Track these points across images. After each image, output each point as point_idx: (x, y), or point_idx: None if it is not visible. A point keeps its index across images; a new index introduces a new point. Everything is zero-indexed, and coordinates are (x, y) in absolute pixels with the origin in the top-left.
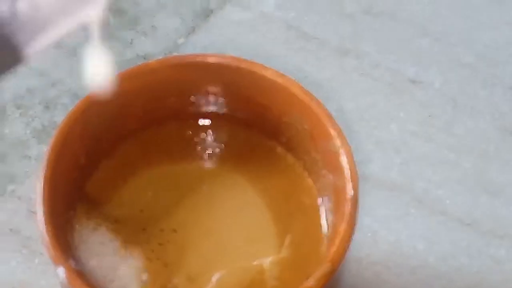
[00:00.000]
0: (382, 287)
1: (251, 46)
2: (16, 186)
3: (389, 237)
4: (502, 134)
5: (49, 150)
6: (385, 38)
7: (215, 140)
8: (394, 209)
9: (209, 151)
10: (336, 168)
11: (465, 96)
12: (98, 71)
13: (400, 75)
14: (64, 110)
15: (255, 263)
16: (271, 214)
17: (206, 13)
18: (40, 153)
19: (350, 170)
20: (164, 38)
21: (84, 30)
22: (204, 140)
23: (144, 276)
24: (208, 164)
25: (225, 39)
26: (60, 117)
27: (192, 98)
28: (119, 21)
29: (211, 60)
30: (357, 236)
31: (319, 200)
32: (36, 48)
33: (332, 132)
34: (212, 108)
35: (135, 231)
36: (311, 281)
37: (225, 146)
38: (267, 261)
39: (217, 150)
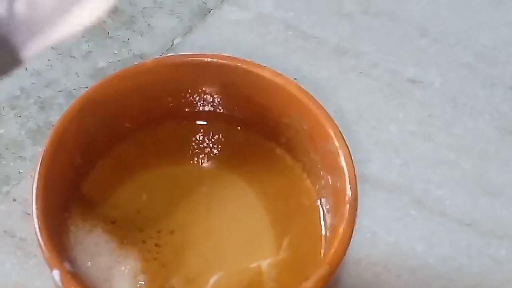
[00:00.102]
0: None
1: (249, 46)
2: (11, 187)
3: (389, 238)
4: (502, 134)
5: (44, 150)
6: (384, 38)
7: (212, 140)
8: (393, 210)
9: (207, 151)
10: (335, 169)
11: (465, 96)
12: None
13: (399, 75)
14: (60, 110)
15: (253, 264)
16: (270, 215)
17: (204, 13)
18: (35, 154)
19: (349, 171)
20: (161, 38)
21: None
22: (201, 140)
23: (141, 278)
24: (206, 165)
25: (222, 38)
26: (55, 117)
27: (189, 98)
28: (116, 20)
29: (208, 59)
30: (356, 237)
31: (318, 202)
32: (34, 50)
33: (331, 132)
34: (209, 108)
35: (131, 232)
36: (309, 283)
37: (223, 146)
38: (265, 263)
39: (215, 150)
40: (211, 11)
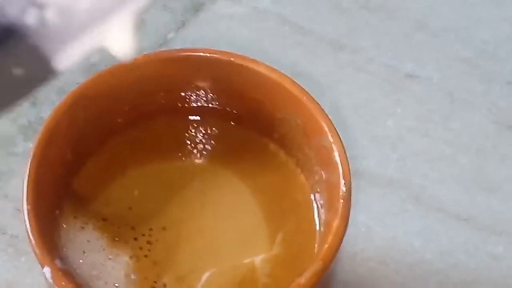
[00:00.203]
0: (378, 283)
1: (244, 41)
2: (2, 184)
3: (386, 233)
4: (500, 129)
5: (35, 146)
6: (382, 33)
7: (206, 136)
8: (390, 205)
9: (200, 147)
10: (329, 165)
11: (462, 92)
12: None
13: (397, 70)
14: (51, 106)
15: (246, 260)
16: (263, 211)
17: (197, 8)
18: (26, 150)
19: (343, 166)
20: (154, 33)
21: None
22: (194, 136)
23: (133, 275)
24: (199, 161)
25: (216, 33)
26: (47, 113)
27: (182, 93)
28: None
29: (201, 54)
30: (352, 232)
31: (312, 197)
32: (68, 60)
33: (325, 127)
34: (202, 104)
35: (123, 229)
36: (302, 279)
37: (216, 142)
38: (259, 259)
39: (208, 146)
40: (204, 5)
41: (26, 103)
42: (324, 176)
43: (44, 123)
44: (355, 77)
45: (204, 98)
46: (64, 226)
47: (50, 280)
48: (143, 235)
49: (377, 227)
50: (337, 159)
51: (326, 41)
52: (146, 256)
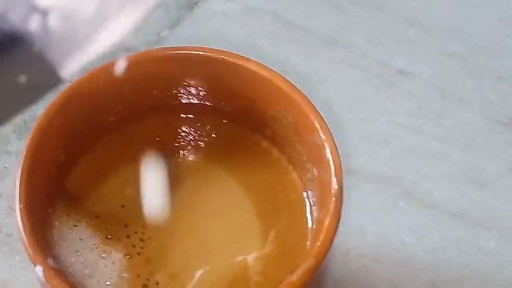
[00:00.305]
0: (370, 280)
1: (237, 38)
2: None
3: (377, 230)
4: (491, 124)
5: (27, 144)
6: (373, 28)
7: (198, 134)
8: (382, 202)
9: (193, 145)
10: (321, 162)
11: (454, 87)
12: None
13: (388, 66)
14: (45, 104)
15: (239, 258)
16: (256, 209)
17: (190, 5)
18: (20, 148)
19: (335, 164)
20: (147, 30)
21: None
22: (187, 134)
23: (126, 272)
24: (192, 158)
25: (210, 31)
26: (41, 111)
27: (175, 91)
28: None
29: (194, 52)
30: (344, 229)
31: (305, 194)
32: (72, 66)
33: (317, 125)
34: (195, 101)
35: (116, 227)
36: (294, 277)
37: (209, 140)
38: (251, 257)
39: (201, 144)
40: (198, 3)
41: None
42: (316, 173)
43: (37, 121)
44: (347, 73)
45: (197, 96)
46: (57, 224)
47: (43, 279)
48: (136, 232)
49: (370, 224)
50: (329, 156)
51: (318, 37)
52: (139, 253)
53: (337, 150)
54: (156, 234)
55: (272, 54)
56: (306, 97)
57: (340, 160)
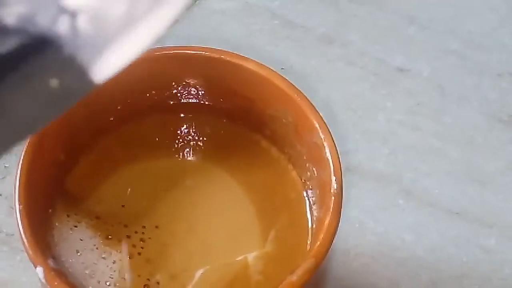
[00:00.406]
0: (370, 279)
1: (236, 36)
2: None
3: (377, 228)
4: (490, 121)
5: (27, 145)
6: (371, 26)
7: (197, 133)
8: (381, 199)
9: (192, 144)
10: (320, 161)
11: (453, 84)
12: None
13: (387, 64)
14: None
15: (239, 258)
16: (256, 208)
17: None
18: (20, 148)
19: (334, 163)
20: None
21: None
22: (186, 133)
23: (126, 273)
24: (191, 158)
25: (208, 29)
26: None
27: (174, 91)
28: None
29: (192, 52)
30: (344, 227)
31: (304, 194)
32: (106, 70)
33: (316, 124)
34: (194, 101)
35: (116, 228)
36: (294, 277)
37: (208, 139)
38: (251, 256)
39: (200, 143)
40: (197, 1)
41: None
42: (316, 173)
43: None
44: (346, 71)
45: (196, 96)
46: (57, 225)
47: (43, 280)
48: (136, 232)
49: (369, 222)
50: (328, 156)
51: (316, 35)
52: (139, 253)
53: (336, 149)
54: (156, 234)
55: (271, 52)
56: (305, 96)
57: (339, 159)
